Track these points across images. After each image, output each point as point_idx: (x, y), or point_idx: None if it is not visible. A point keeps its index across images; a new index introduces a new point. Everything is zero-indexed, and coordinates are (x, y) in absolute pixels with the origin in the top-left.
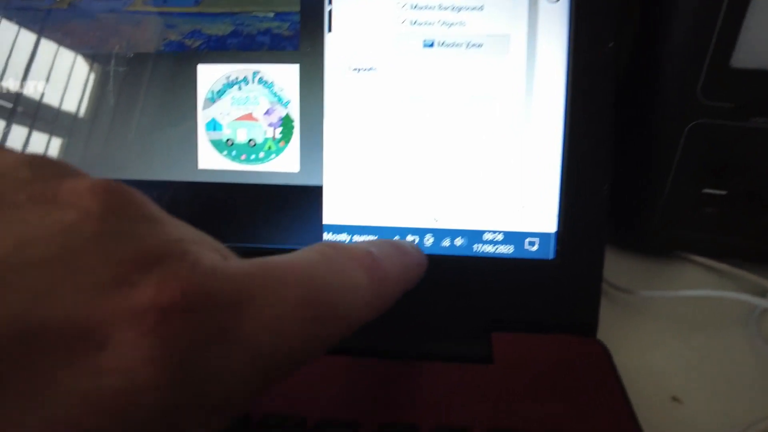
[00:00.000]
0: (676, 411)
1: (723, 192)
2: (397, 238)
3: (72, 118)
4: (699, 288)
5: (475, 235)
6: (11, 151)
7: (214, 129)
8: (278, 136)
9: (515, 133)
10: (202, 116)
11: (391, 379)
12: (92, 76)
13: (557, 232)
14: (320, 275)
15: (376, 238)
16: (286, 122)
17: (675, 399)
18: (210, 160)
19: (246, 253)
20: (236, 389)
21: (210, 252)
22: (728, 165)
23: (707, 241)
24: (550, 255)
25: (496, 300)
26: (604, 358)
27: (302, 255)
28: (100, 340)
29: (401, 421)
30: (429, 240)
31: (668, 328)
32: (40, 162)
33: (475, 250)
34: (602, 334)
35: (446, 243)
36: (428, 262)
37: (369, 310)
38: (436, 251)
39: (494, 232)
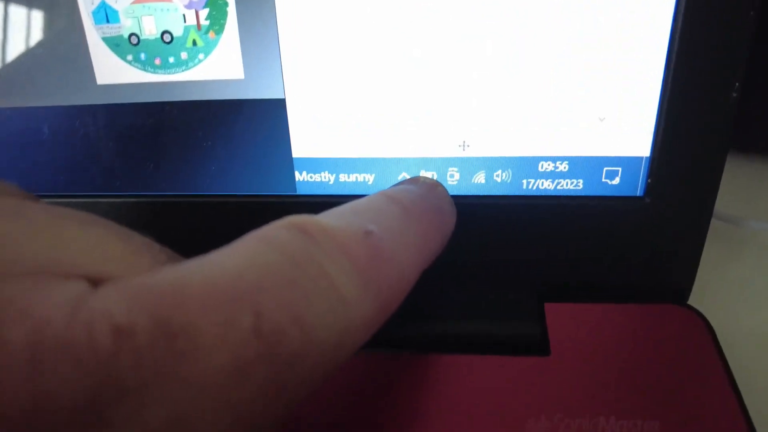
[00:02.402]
0: None
1: None
2: (404, 175)
3: None
4: None
5: (526, 165)
6: None
7: (108, 20)
8: (205, 22)
9: (586, 2)
10: (85, 0)
11: (400, 383)
12: None
13: (651, 157)
14: (277, 296)
15: (371, 178)
16: None
17: None
18: (110, 71)
19: (177, 209)
20: None
21: (59, 285)
22: None
23: None
24: (639, 191)
25: (554, 259)
26: (705, 338)
27: (247, 255)
28: None
29: None
30: (454, 176)
31: None
32: None
33: (525, 187)
34: (696, 286)
35: (480, 179)
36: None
37: (364, 332)
38: (465, 191)
39: (555, 159)
